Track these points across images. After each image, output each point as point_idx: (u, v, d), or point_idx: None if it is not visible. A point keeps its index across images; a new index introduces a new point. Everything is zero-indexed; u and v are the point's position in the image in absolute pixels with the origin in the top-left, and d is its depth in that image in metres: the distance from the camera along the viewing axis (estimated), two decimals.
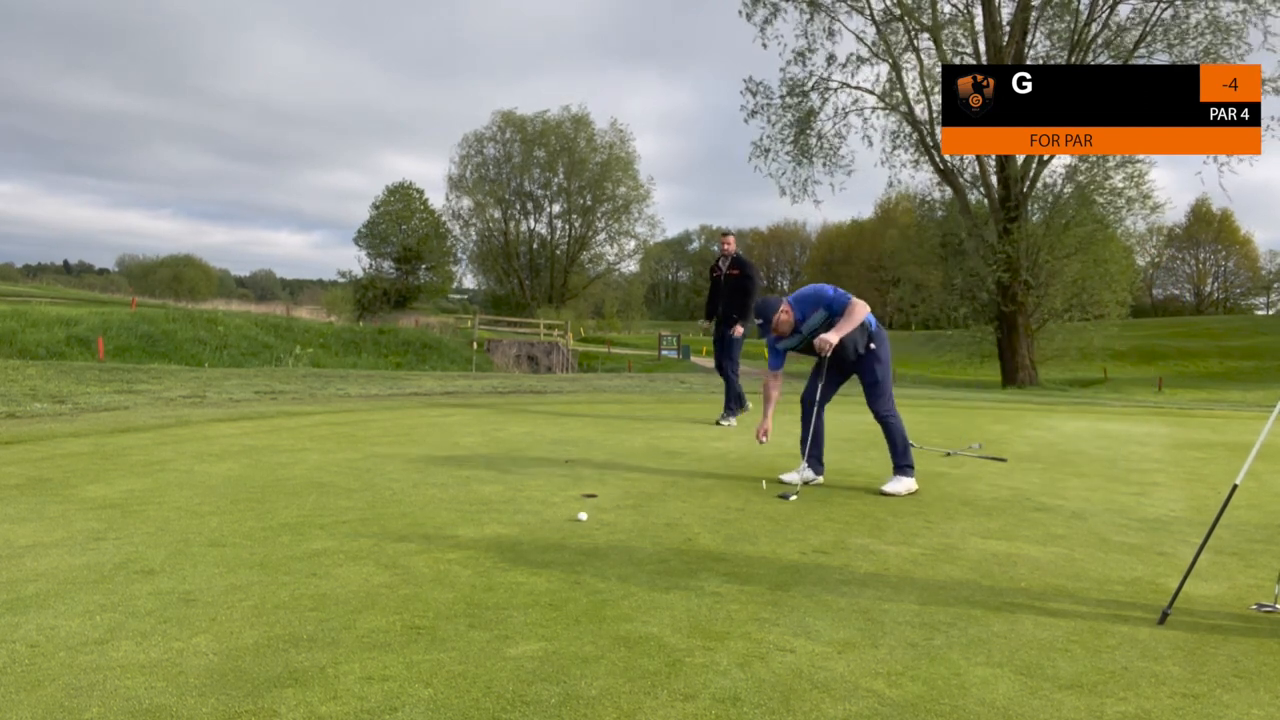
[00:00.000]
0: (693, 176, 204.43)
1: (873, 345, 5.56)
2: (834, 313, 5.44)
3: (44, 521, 3.84)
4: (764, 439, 5.71)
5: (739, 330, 9.21)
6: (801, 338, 5.60)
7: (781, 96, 29.74)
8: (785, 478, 5.67)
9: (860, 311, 5.39)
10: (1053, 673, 2.48)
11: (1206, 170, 44.56)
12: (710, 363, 48.44)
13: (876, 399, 5.62)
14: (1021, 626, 2.88)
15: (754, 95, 29.97)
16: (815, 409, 5.71)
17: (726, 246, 9.33)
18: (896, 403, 5.73)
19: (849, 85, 29.64)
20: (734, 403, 9.26)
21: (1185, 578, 3.16)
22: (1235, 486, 3.24)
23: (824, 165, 30.03)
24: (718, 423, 9.02)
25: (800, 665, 2.46)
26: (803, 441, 5.74)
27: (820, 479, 5.70)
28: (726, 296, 9.21)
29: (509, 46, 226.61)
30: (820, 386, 5.71)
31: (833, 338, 5.32)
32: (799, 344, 5.63)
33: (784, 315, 5.48)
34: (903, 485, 5.44)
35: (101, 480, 4.86)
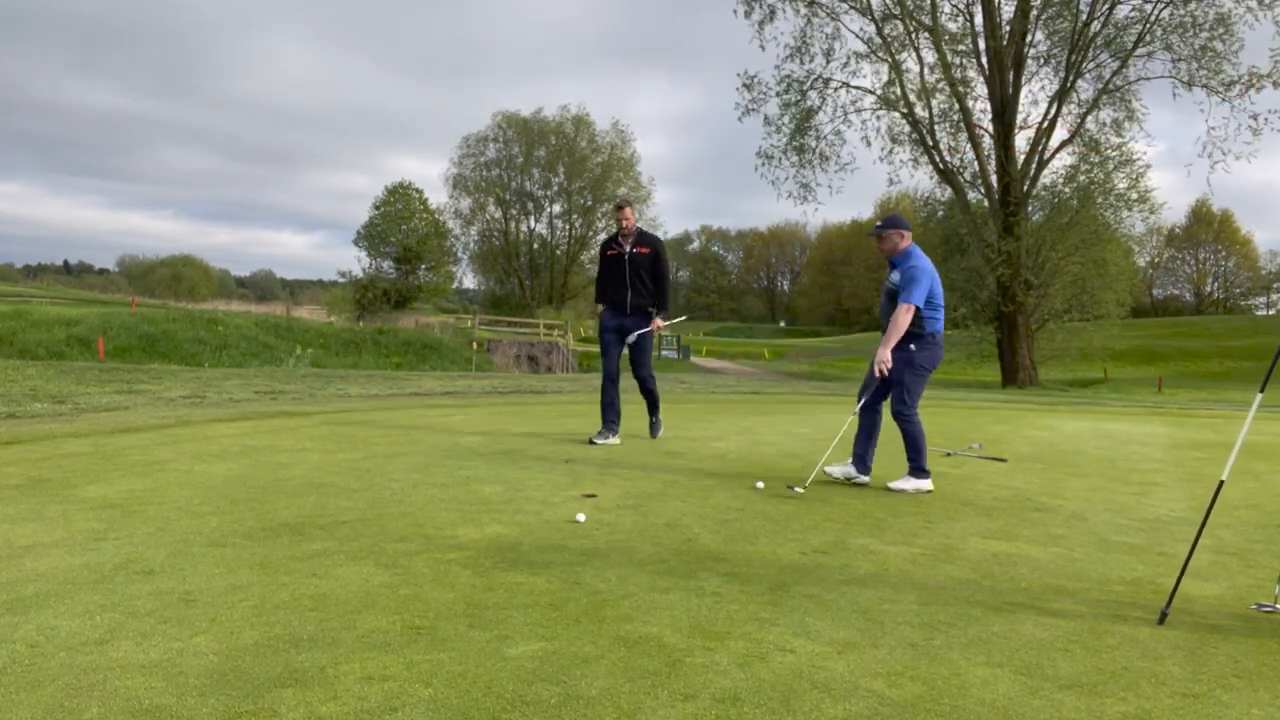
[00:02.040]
0: (697, 177, 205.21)
1: (912, 347, 5.56)
2: (898, 286, 5.48)
3: (44, 521, 3.84)
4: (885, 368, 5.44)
5: (658, 324, 7.55)
6: (887, 276, 5.69)
7: (779, 94, 29.71)
8: (831, 470, 5.77)
9: (904, 322, 5.40)
10: (1053, 673, 2.48)
11: (1198, 165, 44.69)
12: (713, 363, 47.71)
13: (895, 399, 5.64)
14: (1021, 626, 2.88)
15: (749, 90, 29.86)
16: (870, 409, 5.78)
17: (626, 221, 7.44)
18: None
19: (849, 85, 29.63)
20: (658, 416, 7.77)
21: (1181, 576, 3.16)
22: (1221, 483, 3.25)
23: (822, 165, 30.02)
24: (654, 435, 7.75)
25: (800, 665, 2.46)
26: (911, 452, 5.64)
27: (862, 479, 5.71)
28: (633, 281, 7.45)
29: (515, 48, 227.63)
30: (873, 388, 5.77)
31: (884, 353, 5.40)
32: (886, 279, 5.70)
33: (898, 238, 5.57)
34: (910, 484, 5.45)
35: (101, 480, 4.86)
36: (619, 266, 7.48)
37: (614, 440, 7.29)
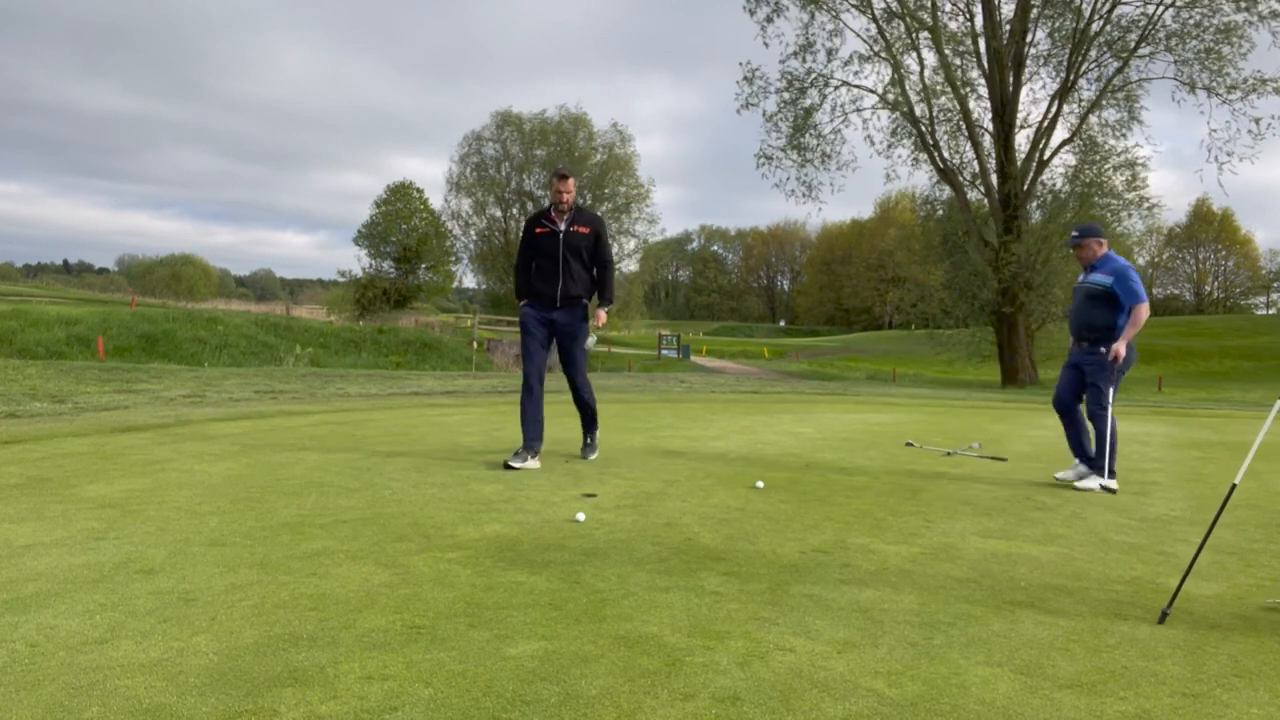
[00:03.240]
0: (699, 177, 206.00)
1: (1103, 349, 5.83)
2: (1118, 291, 5.72)
3: (44, 521, 3.84)
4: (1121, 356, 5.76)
5: (602, 318, 6.33)
6: (1081, 282, 5.95)
7: (779, 90, 29.71)
8: (1081, 485, 5.87)
9: (1144, 318, 5.70)
10: (1053, 672, 2.48)
11: (1207, 168, 44.66)
12: (712, 362, 47.71)
13: (1090, 399, 5.90)
14: (1021, 626, 2.88)
15: (750, 83, 29.87)
16: (1071, 410, 6.05)
17: (566, 195, 6.13)
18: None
19: (849, 84, 29.63)
20: (592, 429, 6.49)
21: (1185, 577, 3.16)
22: (1234, 486, 3.25)
23: (822, 164, 30.01)
24: (585, 456, 6.38)
25: (800, 665, 2.46)
26: (1099, 452, 5.83)
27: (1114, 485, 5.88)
28: (567, 267, 6.16)
29: (517, 49, 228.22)
30: (1063, 384, 6.06)
31: (1120, 347, 5.66)
32: (1078, 284, 5.99)
33: (1097, 246, 5.87)
34: (1096, 483, 5.73)
35: (101, 480, 4.86)
36: (550, 247, 6.16)
37: (534, 463, 5.97)
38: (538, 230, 6.22)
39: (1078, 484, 5.81)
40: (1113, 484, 5.76)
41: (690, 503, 4.82)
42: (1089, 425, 5.99)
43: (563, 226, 6.16)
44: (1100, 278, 5.83)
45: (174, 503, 4.32)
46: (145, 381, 11.52)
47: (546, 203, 6.32)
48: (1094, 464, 5.90)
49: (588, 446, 6.50)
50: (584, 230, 6.18)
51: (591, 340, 6.34)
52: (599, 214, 6.86)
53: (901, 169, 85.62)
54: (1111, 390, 5.83)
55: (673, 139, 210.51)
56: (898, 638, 2.72)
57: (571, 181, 6.16)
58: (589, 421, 6.53)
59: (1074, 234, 6.03)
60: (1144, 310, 5.71)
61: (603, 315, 6.34)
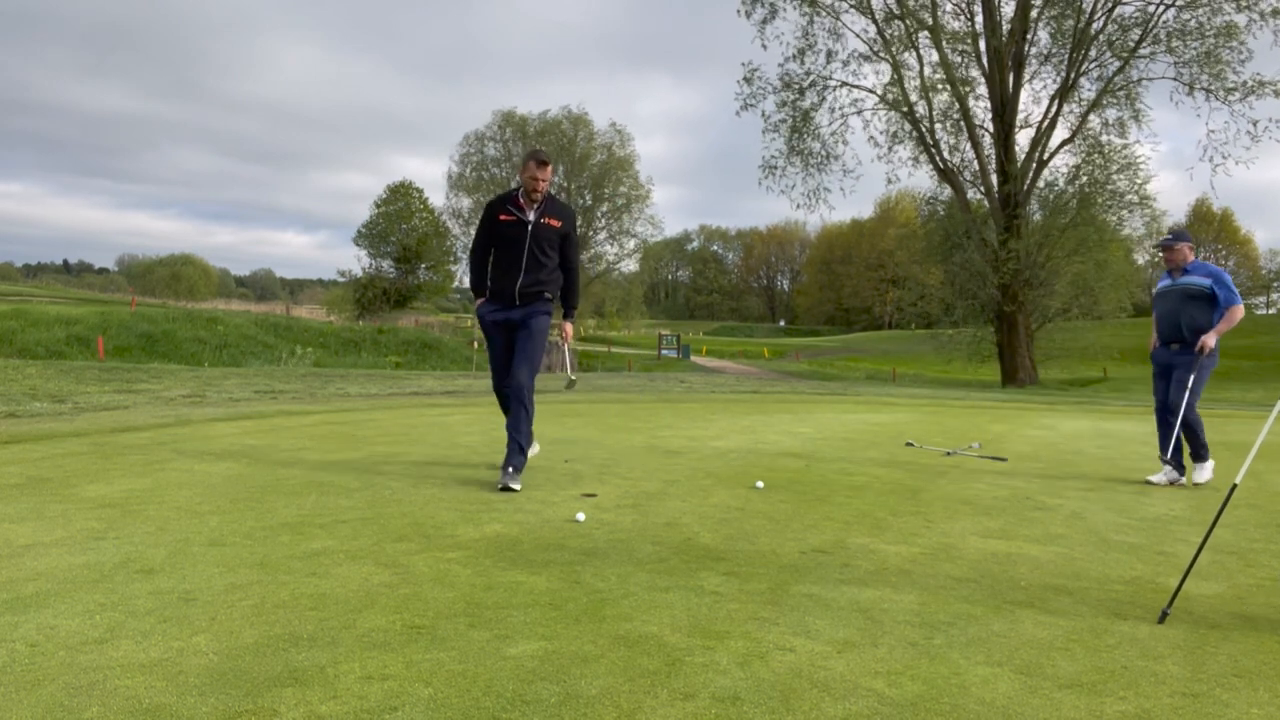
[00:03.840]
0: (699, 177, 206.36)
1: (1197, 349, 6.04)
2: (1216, 295, 5.97)
3: (44, 521, 3.84)
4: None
5: (568, 331, 5.84)
6: (1172, 285, 6.14)
7: (776, 90, 29.71)
8: (1153, 479, 6.17)
9: (1239, 318, 5.96)
10: (1053, 672, 2.48)
11: (1200, 168, 44.64)
12: (712, 362, 47.64)
13: (1181, 394, 6.07)
14: (1021, 626, 2.88)
15: (749, 84, 29.87)
16: (1173, 413, 6.14)
17: (541, 181, 5.42)
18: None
19: (849, 84, 29.62)
20: (523, 448, 5.27)
21: (1185, 577, 3.16)
22: (1235, 486, 3.26)
23: (823, 166, 29.99)
24: (504, 485, 5.02)
25: (800, 665, 2.46)
26: (1162, 445, 6.21)
27: (1182, 480, 6.19)
28: (531, 261, 5.47)
29: (520, 51, 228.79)
30: (1167, 388, 6.20)
31: (1212, 340, 5.88)
32: (1168, 287, 6.18)
33: (1189, 250, 6.07)
34: (1207, 472, 6.04)
35: (101, 480, 4.86)
36: (515, 237, 5.46)
37: (534, 449, 5.72)
38: (502, 217, 5.53)
39: (1197, 479, 6.06)
40: (1211, 464, 6.18)
41: (690, 503, 4.82)
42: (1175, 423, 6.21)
43: (532, 216, 5.47)
44: (1198, 279, 6.06)
45: (174, 503, 4.32)
46: (145, 381, 11.52)
47: (515, 186, 5.66)
48: (1198, 455, 6.15)
49: (510, 466, 5.15)
50: (555, 224, 5.52)
51: (573, 379, 6.21)
52: (571, 207, 6.08)
53: (902, 170, 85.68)
54: (1201, 387, 6.09)
55: (674, 139, 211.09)
56: (898, 638, 2.72)
57: (550, 169, 5.51)
58: (520, 435, 5.29)
59: (1167, 237, 6.22)
60: (1241, 310, 6.01)
61: (569, 328, 5.83)
